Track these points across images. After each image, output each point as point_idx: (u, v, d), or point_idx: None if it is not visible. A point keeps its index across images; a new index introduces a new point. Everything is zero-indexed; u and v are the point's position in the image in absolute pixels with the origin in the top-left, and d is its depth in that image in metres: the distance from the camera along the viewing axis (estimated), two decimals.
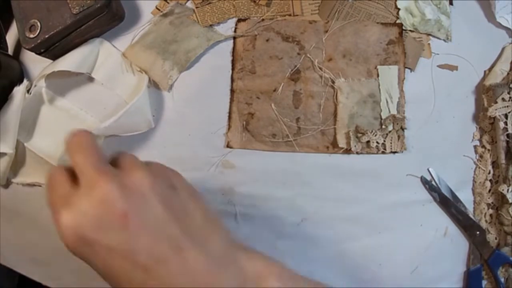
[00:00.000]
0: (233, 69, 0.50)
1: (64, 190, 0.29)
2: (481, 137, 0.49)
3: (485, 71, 0.50)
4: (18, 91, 0.46)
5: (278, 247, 0.49)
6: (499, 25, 0.50)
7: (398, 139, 0.48)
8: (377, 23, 0.49)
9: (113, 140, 0.50)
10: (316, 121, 0.49)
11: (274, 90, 0.49)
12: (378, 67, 0.49)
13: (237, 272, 0.30)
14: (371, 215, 0.48)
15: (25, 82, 0.48)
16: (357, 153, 0.48)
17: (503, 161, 0.47)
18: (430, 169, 0.48)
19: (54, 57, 0.50)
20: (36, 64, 0.52)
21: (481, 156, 0.49)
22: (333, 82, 0.49)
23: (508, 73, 0.48)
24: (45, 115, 0.51)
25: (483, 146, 0.49)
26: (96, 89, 0.51)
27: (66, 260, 0.52)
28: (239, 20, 0.51)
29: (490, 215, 0.48)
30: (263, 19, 0.50)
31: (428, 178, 0.48)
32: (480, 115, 0.49)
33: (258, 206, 0.49)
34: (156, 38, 0.50)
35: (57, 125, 0.51)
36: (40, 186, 0.50)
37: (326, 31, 0.49)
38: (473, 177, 0.49)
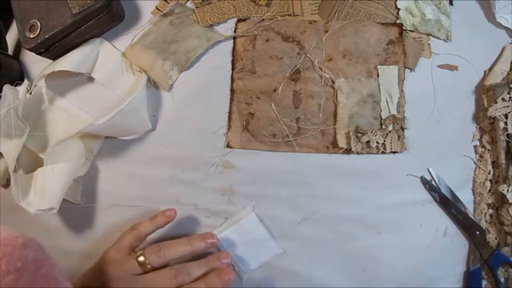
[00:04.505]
0: (233, 69, 0.50)
1: None
2: (481, 137, 0.49)
3: (485, 71, 0.50)
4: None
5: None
6: (499, 25, 0.50)
7: (398, 139, 0.48)
8: (377, 23, 0.49)
9: (114, 141, 0.50)
10: (316, 121, 0.49)
11: (274, 90, 0.49)
12: (378, 67, 0.49)
13: None
14: (371, 215, 0.48)
15: (25, 82, 0.48)
16: (357, 153, 0.48)
17: (503, 161, 0.47)
18: (430, 169, 0.48)
19: (54, 57, 0.50)
20: (36, 64, 0.53)
21: (481, 156, 0.49)
22: (333, 82, 0.49)
23: (508, 73, 0.48)
24: (45, 115, 0.51)
25: (483, 146, 0.49)
26: (96, 89, 0.51)
27: (66, 260, 0.52)
28: (239, 20, 0.51)
29: (490, 215, 0.48)
30: (263, 19, 0.50)
31: (428, 178, 0.48)
32: (480, 115, 0.49)
33: (258, 206, 0.49)
34: (156, 38, 0.50)
35: (57, 125, 0.51)
36: None
37: (326, 31, 0.49)
38: (473, 177, 0.49)
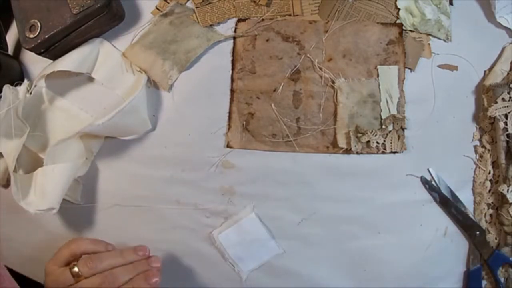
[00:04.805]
0: (233, 69, 0.50)
1: None
2: (481, 137, 0.49)
3: (485, 71, 0.50)
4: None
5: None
6: (499, 25, 0.50)
7: (398, 139, 0.48)
8: (377, 23, 0.49)
9: (114, 141, 0.50)
10: (316, 121, 0.49)
11: (274, 90, 0.49)
12: (378, 67, 0.49)
13: None
14: (371, 215, 0.48)
15: (25, 82, 0.48)
16: (357, 153, 0.48)
17: (503, 161, 0.47)
18: (430, 169, 0.48)
19: (54, 57, 0.50)
20: (36, 64, 0.53)
21: (481, 156, 0.49)
22: (333, 82, 0.49)
23: (508, 73, 0.48)
24: (45, 115, 0.51)
25: (483, 146, 0.49)
26: (96, 89, 0.51)
27: None
28: (239, 20, 0.51)
29: (490, 215, 0.48)
30: (263, 19, 0.50)
31: (428, 178, 0.48)
32: (480, 115, 0.49)
33: (258, 206, 0.49)
34: (156, 38, 0.50)
35: (57, 125, 0.51)
36: None
37: (326, 31, 0.49)
38: (473, 177, 0.49)
